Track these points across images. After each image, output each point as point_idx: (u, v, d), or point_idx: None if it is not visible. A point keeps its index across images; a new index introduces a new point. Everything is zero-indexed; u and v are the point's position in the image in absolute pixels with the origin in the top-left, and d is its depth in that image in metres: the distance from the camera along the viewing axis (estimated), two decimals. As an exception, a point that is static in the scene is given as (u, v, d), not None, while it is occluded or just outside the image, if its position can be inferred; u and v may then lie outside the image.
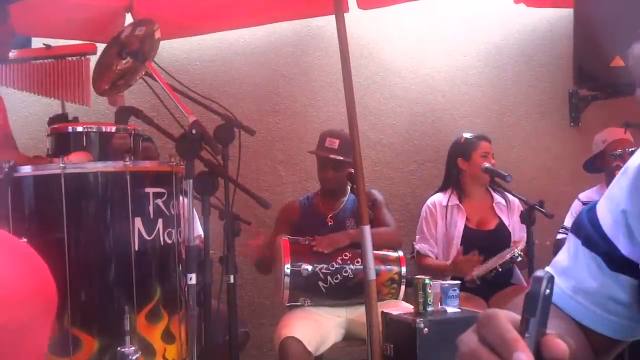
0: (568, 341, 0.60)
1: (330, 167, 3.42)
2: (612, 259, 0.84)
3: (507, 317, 0.60)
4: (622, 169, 0.88)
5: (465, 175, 3.69)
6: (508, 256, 3.23)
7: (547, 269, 0.92)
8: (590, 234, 0.87)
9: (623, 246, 0.84)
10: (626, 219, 0.84)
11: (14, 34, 3.08)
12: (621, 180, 0.87)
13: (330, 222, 3.47)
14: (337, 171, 3.39)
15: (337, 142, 3.39)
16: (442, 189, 3.76)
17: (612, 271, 0.84)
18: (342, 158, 3.34)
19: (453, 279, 3.24)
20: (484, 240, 3.52)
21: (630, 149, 3.69)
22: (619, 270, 0.84)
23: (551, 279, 0.60)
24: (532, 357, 0.57)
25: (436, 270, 3.46)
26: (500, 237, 3.54)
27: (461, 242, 3.57)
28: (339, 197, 3.54)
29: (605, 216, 0.87)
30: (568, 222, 3.78)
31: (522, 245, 3.23)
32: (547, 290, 0.59)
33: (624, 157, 3.65)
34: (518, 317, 0.60)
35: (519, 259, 3.19)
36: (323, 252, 3.21)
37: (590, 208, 0.90)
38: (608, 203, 0.88)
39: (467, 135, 3.76)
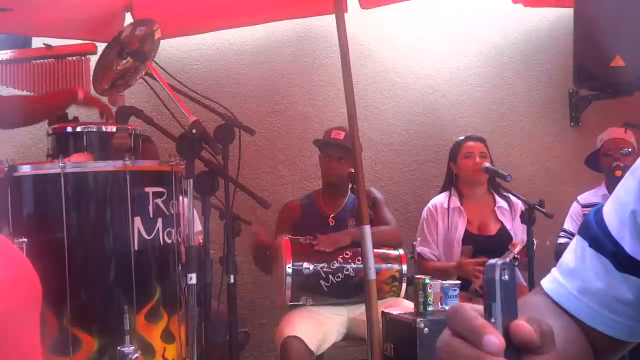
0: (542, 324, 0.61)
1: (335, 158, 3.45)
2: (620, 260, 0.85)
3: (472, 308, 0.62)
4: (630, 170, 0.88)
5: (458, 178, 3.70)
6: (507, 260, 3.21)
7: (554, 270, 0.92)
8: (597, 235, 0.87)
9: (630, 247, 0.84)
10: (635, 219, 0.84)
11: None
12: (628, 182, 0.87)
13: (332, 222, 3.47)
14: (341, 162, 3.40)
15: (342, 134, 3.45)
16: (443, 190, 3.76)
17: (619, 272, 0.85)
18: (348, 146, 3.35)
19: (458, 279, 3.24)
20: (485, 245, 3.50)
21: (625, 150, 3.68)
22: (626, 270, 0.84)
23: (505, 266, 0.62)
24: (502, 338, 0.59)
25: (440, 272, 3.45)
26: (501, 243, 3.50)
27: (462, 245, 3.56)
28: (341, 197, 3.54)
29: (612, 217, 0.87)
30: (568, 225, 3.77)
31: (518, 247, 3.23)
32: (505, 277, 0.61)
33: (616, 158, 3.66)
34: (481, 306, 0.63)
35: (516, 262, 3.18)
36: (324, 251, 3.22)
37: (597, 210, 0.90)
38: (614, 204, 0.88)
39: (459, 137, 3.77)
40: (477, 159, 3.58)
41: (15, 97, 2.93)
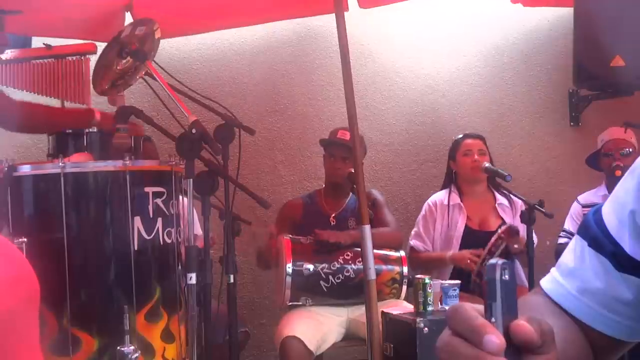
0: (542, 324, 0.61)
1: (340, 158, 3.45)
2: (619, 260, 0.85)
3: (472, 307, 0.62)
4: (629, 170, 0.88)
5: (458, 176, 3.71)
6: (493, 239, 3.24)
7: (553, 270, 0.92)
8: (596, 235, 0.87)
9: (629, 246, 0.84)
10: (634, 219, 0.84)
11: (8, 44, 3.09)
12: (627, 182, 0.87)
13: (334, 221, 3.47)
14: (345, 163, 3.41)
15: (348, 134, 3.43)
16: (443, 188, 3.77)
17: (618, 272, 0.85)
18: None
19: (455, 277, 3.25)
20: (485, 240, 3.51)
21: (625, 150, 3.68)
22: (625, 270, 0.84)
23: (506, 265, 0.61)
24: (502, 338, 0.59)
25: (433, 262, 3.47)
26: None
27: (461, 242, 3.57)
28: (342, 197, 3.54)
29: (611, 217, 0.87)
30: (568, 225, 3.77)
31: (503, 227, 3.27)
32: (506, 277, 0.61)
33: (616, 158, 3.66)
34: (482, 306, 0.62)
35: (503, 245, 3.22)
36: (325, 252, 3.22)
37: (596, 210, 0.90)
38: (613, 205, 0.88)
39: (458, 135, 3.78)
40: (476, 157, 3.60)
41: (37, 105, 2.91)
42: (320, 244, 3.23)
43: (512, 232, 3.27)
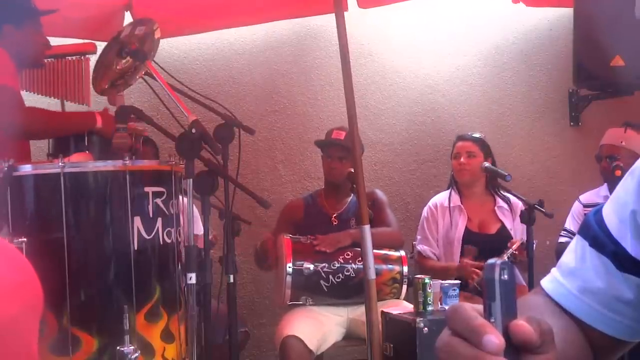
0: (542, 323, 0.61)
1: (336, 158, 3.45)
2: (620, 260, 0.85)
3: (472, 307, 0.62)
4: (629, 170, 0.88)
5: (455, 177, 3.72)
6: (505, 257, 3.22)
7: (554, 270, 0.92)
8: (597, 235, 0.88)
9: (631, 247, 0.84)
10: (635, 219, 0.84)
11: (49, 45, 3.08)
12: (628, 182, 0.88)
13: (335, 222, 3.47)
14: (342, 162, 3.41)
15: (343, 133, 3.45)
16: (447, 188, 3.78)
17: (619, 272, 0.85)
18: (349, 145, 3.35)
19: (456, 279, 3.25)
20: (485, 243, 3.51)
21: (609, 156, 3.61)
22: (626, 270, 0.85)
23: (505, 265, 0.61)
24: (502, 337, 0.59)
25: (440, 271, 3.45)
26: (501, 241, 3.51)
27: (462, 243, 3.56)
28: (343, 197, 3.54)
29: (612, 218, 0.87)
30: (569, 224, 3.76)
31: (517, 244, 3.24)
32: (505, 277, 0.61)
33: (602, 164, 3.63)
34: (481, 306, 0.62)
35: (514, 259, 3.20)
36: (325, 251, 3.22)
37: (597, 210, 0.90)
38: (614, 205, 0.88)
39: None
40: (462, 159, 3.60)
41: (39, 109, 2.89)
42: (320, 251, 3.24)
43: (523, 247, 3.26)
